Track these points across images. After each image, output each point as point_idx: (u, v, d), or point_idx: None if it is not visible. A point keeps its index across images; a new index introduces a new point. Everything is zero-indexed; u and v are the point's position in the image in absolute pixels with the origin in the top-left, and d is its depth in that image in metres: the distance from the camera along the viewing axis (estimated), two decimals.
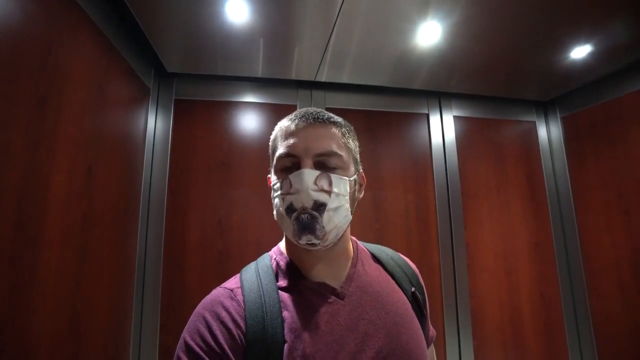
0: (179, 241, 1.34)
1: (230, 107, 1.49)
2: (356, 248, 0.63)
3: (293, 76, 1.49)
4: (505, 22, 1.16)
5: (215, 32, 1.16)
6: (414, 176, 1.62)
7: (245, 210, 1.42)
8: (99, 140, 0.98)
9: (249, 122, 1.49)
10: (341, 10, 1.06)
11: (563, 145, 1.75)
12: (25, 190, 0.69)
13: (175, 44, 1.26)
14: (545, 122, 1.83)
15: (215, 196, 1.40)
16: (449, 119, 1.71)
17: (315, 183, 0.51)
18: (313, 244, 0.52)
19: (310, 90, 1.56)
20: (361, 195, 0.62)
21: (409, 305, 0.60)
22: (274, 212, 0.56)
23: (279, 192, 0.54)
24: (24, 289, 0.68)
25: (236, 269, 0.60)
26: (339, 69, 1.44)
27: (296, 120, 0.55)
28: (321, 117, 0.56)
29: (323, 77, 1.50)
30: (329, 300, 0.53)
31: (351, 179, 0.56)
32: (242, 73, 1.47)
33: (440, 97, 1.71)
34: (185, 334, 0.49)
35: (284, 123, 0.58)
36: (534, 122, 1.83)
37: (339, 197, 0.53)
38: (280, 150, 0.54)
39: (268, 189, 0.60)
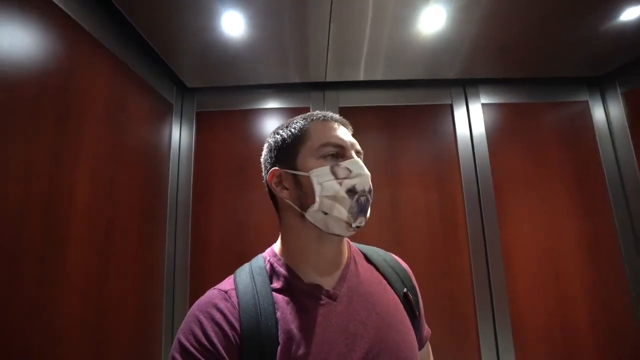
0: (203, 242, 1.44)
1: (246, 115, 1.56)
2: (349, 248, 0.65)
3: (304, 79, 1.51)
4: None
5: (223, 46, 1.23)
6: (438, 173, 1.50)
7: (262, 212, 1.46)
8: (122, 152, 1.11)
9: (264, 128, 1.55)
10: (332, 5, 1.04)
11: (627, 126, 1.47)
12: (49, 199, 0.81)
13: (191, 62, 1.36)
14: (602, 101, 1.57)
15: (234, 200, 1.48)
16: (476, 107, 1.56)
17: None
18: (358, 227, 0.55)
19: (322, 91, 1.56)
20: None
21: (400, 305, 0.61)
22: (321, 200, 0.54)
23: (331, 177, 0.54)
24: (51, 284, 0.80)
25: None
26: (349, 66, 1.42)
27: (333, 118, 0.61)
28: (347, 122, 0.64)
29: (334, 77, 1.49)
30: (322, 301, 0.54)
31: None
32: (254, 81, 1.53)
33: (465, 85, 1.58)
34: (180, 335, 0.50)
35: (320, 116, 0.61)
36: (586, 102, 1.57)
37: None
38: (326, 139, 0.57)
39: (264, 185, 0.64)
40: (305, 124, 0.60)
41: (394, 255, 0.71)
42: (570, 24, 1.18)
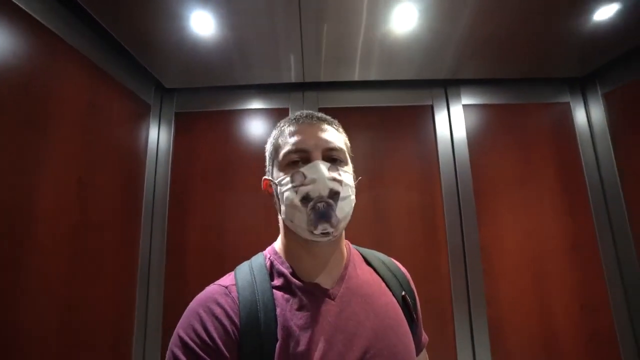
0: (180, 244, 1.42)
1: (226, 115, 1.55)
2: (349, 250, 0.65)
3: (283, 79, 1.50)
4: None
5: (201, 47, 1.22)
6: (419, 174, 1.50)
7: (242, 214, 1.45)
8: (94, 154, 1.10)
9: (243, 129, 1.54)
10: (301, 5, 1.04)
11: (607, 127, 1.46)
12: (11, 203, 0.80)
13: (169, 63, 1.35)
14: (584, 102, 1.56)
15: (214, 201, 1.47)
16: (457, 108, 1.55)
17: (329, 172, 0.55)
18: (327, 233, 0.54)
19: (302, 92, 1.55)
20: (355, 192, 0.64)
21: (398, 308, 0.61)
22: (283, 208, 0.57)
23: (289, 186, 0.55)
24: (12, 289, 0.79)
25: (232, 270, 0.63)
26: (328, 67, 1.41)
27: (300, 120, 0.60)
28: (323, 118, 0.62)
29: (313, 77, 1.48)
30: (320, 300, 0.55)
31: (351, 173, 0.61)
32: (234, 82, 1.52)
33: (446, 86, 1.57)
34: (179, 329, 0.50)
35: (286, 123, 0.61)
36: (568, 103, 1.56)
37: (347, 187, 0.57)
38: (288, 146, 0.57)
39: (262, 191, 0.64)
40: (277, 133, 0.62)
41: (393, 260, 0.72)
42: (546, 23, 1.18)
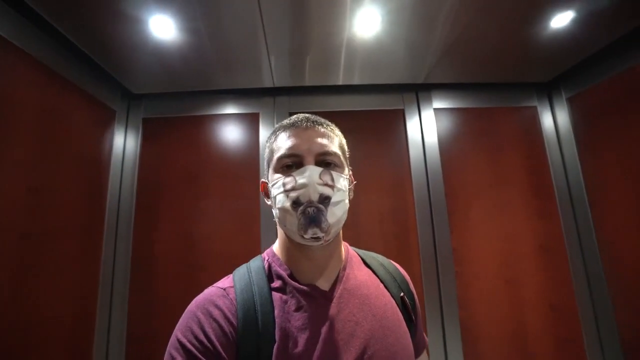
0: (147, 254, 1.38)
1: (196, 121, 1.52)
2: (347, 252, 0.66)
3: (254, 84, 1.48)
4: None
5: (165, 52, 1.20)
6: (390, 178, 1.50)
7: (213, 221, 1.42)
8: (51, 162, 1.05)
9: (214, 134, 1.51)
10: (261, 6, 1.03)
11: (572, 130, 1.50)
12: None
13: (133, 69, 1.32)
14: (550, 106, 1.59)
15: (184, 209, 1.43)
16: (428, 112, 1.56)
17: (320, 177, 0.55)
18: (317, 238, 0.54)
19: (273, 96, 1.54)
20: (351, 196, 0.64)
21: (397, 309, 0.61)
22: (276, 211, 0.58)
23: (281, 190, 0.56)
24: None
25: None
26: (298, 71, 1.40)
27: (296, 124, 0.60)
28: (319, 122, 0.61)
29: (284, 82, 1.47)
30: (319, 302, 0.55)
31: (347, 177, 0.61)
32: (204, 87, 1.49)
33: (417, 90, 1.58)
34: (177, 332, 0.50)
35: (283, 126, 0.61)
36: (535, 107, 1.60)
37: (340, 192, 0.57)
38: (282, 150, 0.58)
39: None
40: (273, 136, 0.62)
41: (392, 262, 0.72)
42: (511, 29, 1.19)
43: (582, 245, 1.43)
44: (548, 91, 1.60)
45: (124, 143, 1.45)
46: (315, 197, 0.54)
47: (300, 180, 0.54)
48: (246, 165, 1.48)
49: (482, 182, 1.50)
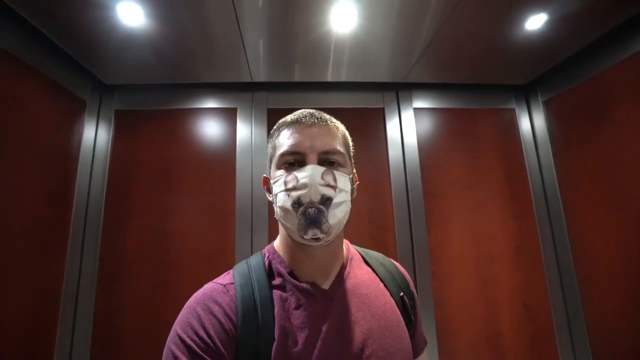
0: (116, 251, 1.33)
1: (172, 114, 1.48)
2: (348, 250, 0.65)
3: (232, 78, 1.45)
4: None
5: (137, 41, 1.16)
6: (369, 177, 1.49)
7: (186, 218, 1.38)
8: (11, 154, 1.00)
9: (190, 129, 1.47)
10: (236, 4, 1.00)
11: (547, 133, 1.52)
12: None
13: (105, 59, 1.27)
14: (527, 108, 1.61)
15: (155, 205, 1.39)
16: (408, 112, 1.56)
17: (322, 178, 0.53)
18: (317, 239, 0.53)
19: (251, 92, 1.51)
20: (355, 194, 0.63)
21: (396, 309, 0.61)
22: (277, 209, 0.57)
23: (283, 188, 0.55)
24: None
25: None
26: (277, 67, 1.38)
27: (300, 120, 0.58)
28: (324, 118, 0.59)
29: (262, 77, 1.45)
30: (319, 300, 0.55)
31: (350, 176, 0.59)
32: (181, 80, 1.46)
33: (397, 89, 1.58)
34: (177, 327, 0.50)
35: (287, 122, 0.59)
36: (514, 109, 1.62)
37: (342, 192, 0.55)
38: (285, 147, 0.56)
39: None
40: (276, 133, 0.61)
41: (393, 261, 0.72)
42: (488, 31, 1.20)
43: (555, 246, 1.46)
44: (526, 94, 1.62)
45: (95, 135, 1.40)
46: (316, 198, 0.53)
47: (302, 179, 0.53)
48: (222, 161, 1.45)
49: (460, 182, 1.51)
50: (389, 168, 1.49)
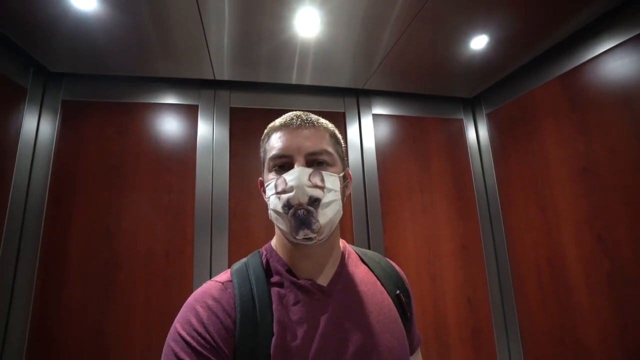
0: (59, 252, 1.24)
1: (127, 108, 1.41)
2: (344, 248, 0.67)
3: (193, 75, 1.42)
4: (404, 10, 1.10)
5: (87, 27, 1.09)
6: None
7: (137, 216, 1.32)
8: None
9: (145, 124, 1.42)
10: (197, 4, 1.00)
11: (489, 142, 1.69)
12: None
13: (50, 43, 1.18)
14: (473, 119, 1.78)
15: (104, 202, 1.31)
16: (368, 117, 1.64)
17: (309, 179, 0.54)
18: (309, 239, 0.54)
19: (214, 89, 1.49)
20: (348, 191, 0.64)
21: (393, 306, 0.62)
22: (270, 212, 0.58)
23: (274, 192, 0.56)
24: None
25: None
26: (240, 66, 1.38)
27: (287, 123, 0.59)
28: (310, 120, 0.60)
29: (225, 76, 1.44)
30: (316, 297, 0.56)
31: (340, 175, 0.59)
32: (138, 72, 1.39)
33: (358, 95, 1.65)
34: (177, 324, 0.50)
35: (275, 126, 0.60)
36: (462, 120, 1.77)
37: (331, 192, 0.56)
38: (274, 151, 0.57)
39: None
40: (266, 137, 0.62)
41: (388, 260, 0.73)
42: (439, 46, 1.31)
43: (495, 244, 1.62)
44: (472, 106, 1.78)
45: (37, 127, 1.29)
46: (304, 200, 0.54)
47: (290, 182, 0.54)
48: (181, 159, 1.41)
49: (413, 185, 1.61)
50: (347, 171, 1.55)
